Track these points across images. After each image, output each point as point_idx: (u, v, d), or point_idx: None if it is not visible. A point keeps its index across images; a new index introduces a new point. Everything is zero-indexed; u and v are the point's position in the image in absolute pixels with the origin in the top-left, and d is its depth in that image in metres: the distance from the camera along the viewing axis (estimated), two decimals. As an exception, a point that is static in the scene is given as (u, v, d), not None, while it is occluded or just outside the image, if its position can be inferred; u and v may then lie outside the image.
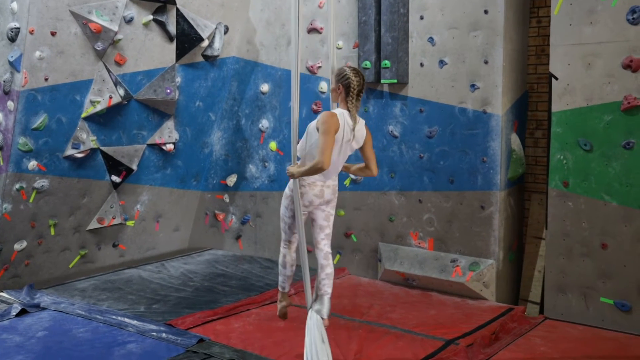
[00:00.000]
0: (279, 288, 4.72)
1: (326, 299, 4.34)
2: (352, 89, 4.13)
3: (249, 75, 7.17)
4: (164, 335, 4.74)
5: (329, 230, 4.44)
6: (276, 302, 5.61)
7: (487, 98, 5.60)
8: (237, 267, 6.79)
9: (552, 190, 5.25)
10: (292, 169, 4.19)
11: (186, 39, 6.58)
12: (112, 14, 5.88)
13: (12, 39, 5.47)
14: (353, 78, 4.12)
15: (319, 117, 4.10)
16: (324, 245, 4.43)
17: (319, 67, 6.57)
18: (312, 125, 4.19)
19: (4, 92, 5.59)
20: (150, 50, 6.33)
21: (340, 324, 5.06)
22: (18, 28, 5.45)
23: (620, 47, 4.84)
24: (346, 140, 4.17)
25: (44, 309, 5.38)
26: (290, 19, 4.35)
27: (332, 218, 4.45)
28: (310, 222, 4.48)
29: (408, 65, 6.01)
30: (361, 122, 4.26)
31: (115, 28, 5.90)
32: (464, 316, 5.22)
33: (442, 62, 5.82)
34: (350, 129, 4.16)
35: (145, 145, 6.61)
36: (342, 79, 4.16)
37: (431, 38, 5.86)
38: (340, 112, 4.14)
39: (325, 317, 4.26)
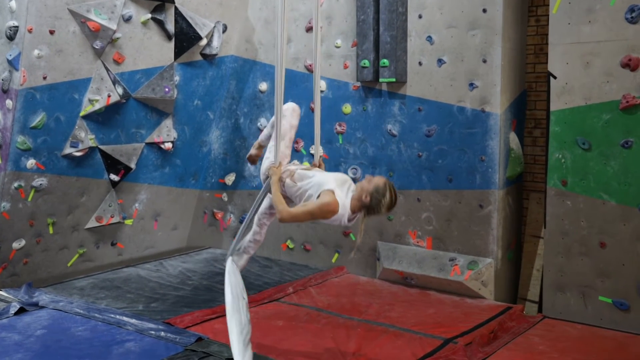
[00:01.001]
0: (258, 140, 4.67)
1: (245, 257, 4.49)
2: (373, 211, 3.78)
3: (247, 73, 7.17)
4: (162, 333, 4.74)
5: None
6: (275, 300, 5.66)
7: (486, 97, 5.60)
8: (235, 265, 6.78)
9: (550, 189, 5.25)
10: (274, 173, 4.03)
11: (185, 37, 6.57)
12: (111, 12, 5.87)
13: (11, 38, 5.46)
14: (382, 209, 3.76)
15: (326, 197, 3.74)
16: (263, 217, 4.42)
17: (318, 65, 6.56)
18: (322, 180, 3.87)
19: (3, 90, 5.58)
20: (148, 49, 6.32)
21: (338, 322, 5.06)
22: (17, 26, 5.44)
23: (619, 46, 4.84)
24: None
25: (42, 307, 5.37)
26: (277, 19, 4.07)
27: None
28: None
29: (406, 64, 6.01)
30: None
31: (113, 27, 5.89)
32: (463, 315, 5.22)
33: (440, 61, 5.82)
34: (340, 222, 3.84)
35: (144, 143, 6.60)
36: (374, 198, 3.73)
37: (430, 37, 5.86)
38: (342, 214, 3.76)
39: (239, 269, 4.36)
